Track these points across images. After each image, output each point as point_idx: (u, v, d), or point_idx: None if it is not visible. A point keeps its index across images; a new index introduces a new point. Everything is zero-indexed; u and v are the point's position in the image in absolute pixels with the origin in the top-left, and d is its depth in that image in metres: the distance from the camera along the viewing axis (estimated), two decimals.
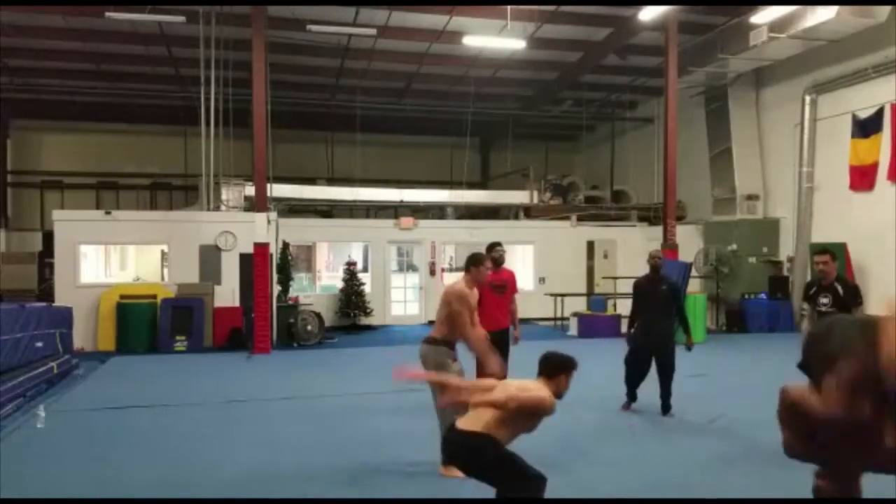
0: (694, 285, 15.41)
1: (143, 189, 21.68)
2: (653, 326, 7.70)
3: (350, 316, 16.18)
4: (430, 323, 16.82)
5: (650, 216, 18.51)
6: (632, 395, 7.87)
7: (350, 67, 17.20)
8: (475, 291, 5.83)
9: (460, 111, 19.65)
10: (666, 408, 7.63)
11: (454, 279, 6.72)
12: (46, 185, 21.12)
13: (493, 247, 7.37)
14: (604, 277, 17.59)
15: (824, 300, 6.30)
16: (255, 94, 12.73)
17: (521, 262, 18.92)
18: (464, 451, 3.95)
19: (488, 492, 5.25)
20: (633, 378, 7.83)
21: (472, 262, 5.83)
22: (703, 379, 9.83)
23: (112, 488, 5.32)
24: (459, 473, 5.43)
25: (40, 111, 20.00)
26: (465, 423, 3.94)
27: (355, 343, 14.04)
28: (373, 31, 14.19)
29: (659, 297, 7.71)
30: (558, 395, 4.01)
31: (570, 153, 24.79)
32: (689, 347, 7.79)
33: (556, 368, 4.04)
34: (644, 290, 7.87)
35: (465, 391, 4.26)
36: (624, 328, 8.03)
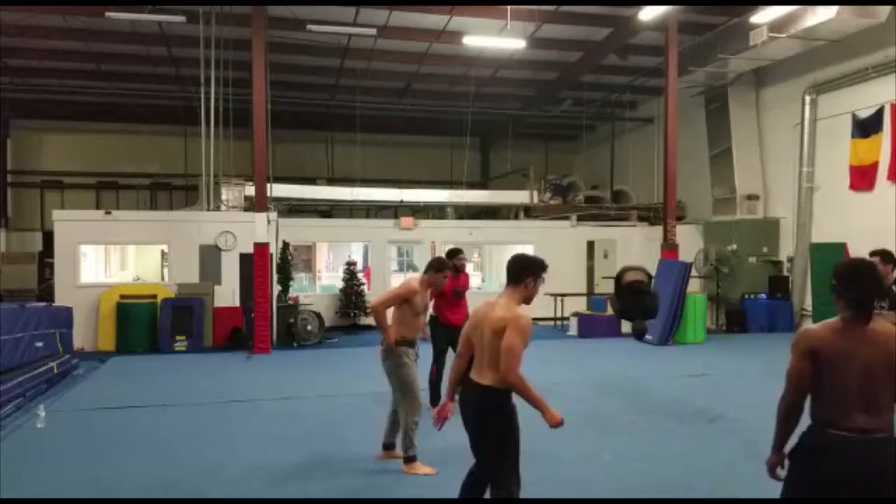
0: (694, 285, 15.40)
1: (143, 189, 21.68)
2: None
3: (350, 316, 16.17)
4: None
5: (650, 216, 18.50)
6: None
7: (350, 67, 17.19)
8: (427, 293, 5.93)
9: (460, 111, 19.64)
10: None
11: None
12: (46, 185, 21.12)
13: (456, 254, 7.48)
14: (604, 277, 17.54)
15: (881, 304, 5.73)
16: (255, 94, 12.73)
17: None
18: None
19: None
20: None
21: (432, 267, 5.95)
22: (703, 379, 9.84)
23: (112, 488, 5.33)
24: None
25: (40, 111, 20.00)
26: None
27: (355, 343, 14.03)
28: (373, 31, 14.18)
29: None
30: (528, 300, 3.93)
31: (570, 153, 24.78)
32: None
33: (522, 271, 3.94)
34: None
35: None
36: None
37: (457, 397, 4.09)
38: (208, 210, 14.68)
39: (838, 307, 3.02)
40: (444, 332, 7.52)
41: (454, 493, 4.63)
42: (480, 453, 3.94)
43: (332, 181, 20.80)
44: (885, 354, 2.89)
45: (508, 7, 13.12)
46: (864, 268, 3.11)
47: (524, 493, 5.20)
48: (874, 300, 2.98)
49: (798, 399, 3.02)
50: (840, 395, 2.91)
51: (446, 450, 5.50)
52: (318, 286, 18.19)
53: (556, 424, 3.81)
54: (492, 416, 3.83)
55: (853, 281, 3.01)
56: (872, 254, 6.12)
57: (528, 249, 18.16)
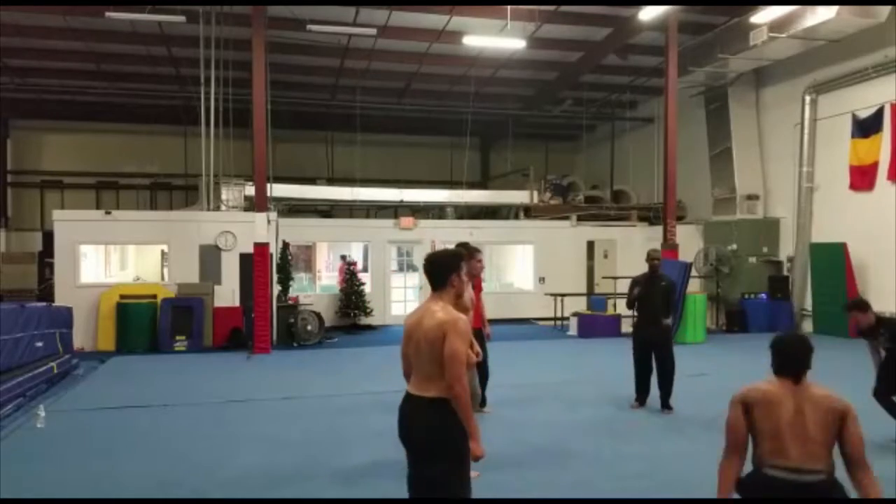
0: (694, 285, 15.41)
1: (143, 189, 21.69)
2: (652, 324, 7.84)
3: (350, 316, 16.18)
4: None
5: (650, 216, 18.52)
6: (642, 397, 7.94)
7: (350, 67, 17.20)
8: (470, 286, 5.90)
9: (460, 111, 19.66)
10: (665, 405, 7.70)
11: None
12: (46, 185, 21.13)
13: (474, 253, 7.41)
14: (604, 277, 17.58)
15: (882, 343, 6.30)
16: (255, 94, 12.73)
17: (522, 263, 18.96)
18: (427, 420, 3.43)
19: (494, 490, 5.25)
20: (640, 377, 7.90)
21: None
22: (703, 379, 9.83)
23: (112, 488, 5.33)
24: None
25: (40, 111, 20.01)
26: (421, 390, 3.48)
27: (355, 343, 14.04)
28: (373, 31, 14.18)
29: (657, 294, 7.81)
30: (459, 296, 3.67)
31: (570, 153, 24.80)
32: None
33: (443, 272, 3.60)
34: (642, 288, 7.94)
35: None
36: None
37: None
38: (208, 210, 14.68)
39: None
40: None
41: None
42: (431, 472, 3.42)
43: (332, 181, 20.81)
44: (815, 406, 3.12)
45: (508, 7, 13.12)
46: (788, 342, 3.33)
47: (525, 493, 5.20)
48: (793, 370, 3.22)
49: (733, 457, 3.23)
50: (773, 434, 3.13)
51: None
52: (318, 286, 18.19)
53: (477, 458, 3.43)
54: (448, 429, 3.38)
55: (776, 352, 3.30)
56: (848, 309, 6.49)
57: (528, 250, 18.26)
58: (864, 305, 6.39)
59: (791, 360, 3.23)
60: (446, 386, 3.34)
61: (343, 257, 17.06)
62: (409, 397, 3.55)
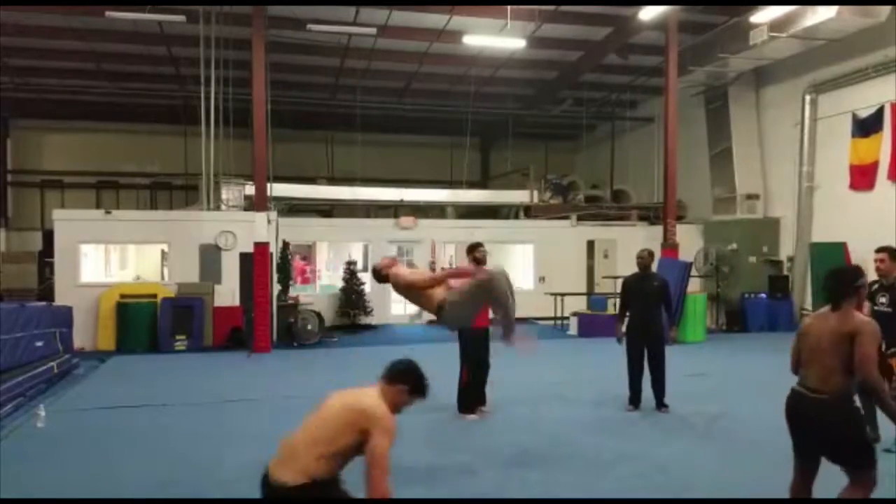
0: (694, 285, 15.40)
1: (143, 189, 21.69)
2: (645, 324, 7.82)
3: (350, 315, 16.18)
4: (431, 322, 16.81)
5: (650, 216, 18.51)
6: (635, 398, 7.87)
7: (350, 67, 17.21)
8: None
9: (460, 111, 19.66)
10: (660, 403, 7.69)
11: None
12: (46, 184, 21.13)
13: (476, 247, 7.39)
14: (604, 277, 17.58)
15: (882, 299, 6.12)
16: (255, 94, 12.74)
17: (522, 262, 18.95)
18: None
19: (494, 490, 5.26)
20: (633, 378, 7.86)
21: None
22: (703, 378, 9.84)
23: (112, 488, 5.33)
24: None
25: (40, 111, 20.01)
26: (280, 471, 3.27)
27: (355, 342, 14.03)
28: (373, 31, 14.19)
29: (649, 294, 7.80)
30: (396, 409, 3.44)
31: (570, 153, 24.80)
32: (672, 341, 8.00)
33: (401, 376, 3.53)
34: (633, 288, 7.95)
35: None
36: (624, 327, 8.10)
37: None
38: (208, 210, 14.68)
39: None
40: (473, 338, 7.47)
41: (453, 493, 4.63)
42: None
43: (332, 180, 20.81)
44: (830, 330, 3.85)
45: (508, 7, 13.13)
46: (834, 272, 4.07)
47: (526, 493, 5.20)
48: (835, 297, 3.89)
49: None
50: (803, 359, 4.01)
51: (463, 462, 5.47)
52: (318, 286, 18.18)
53: None
54: None
55: (825, 280, 4.04)
56: (878, 250, 6.37)
57: (528, 249, 18.25)
58: (894, 253, 6.23)
59: (826, 293, 3.97)
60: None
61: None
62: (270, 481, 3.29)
